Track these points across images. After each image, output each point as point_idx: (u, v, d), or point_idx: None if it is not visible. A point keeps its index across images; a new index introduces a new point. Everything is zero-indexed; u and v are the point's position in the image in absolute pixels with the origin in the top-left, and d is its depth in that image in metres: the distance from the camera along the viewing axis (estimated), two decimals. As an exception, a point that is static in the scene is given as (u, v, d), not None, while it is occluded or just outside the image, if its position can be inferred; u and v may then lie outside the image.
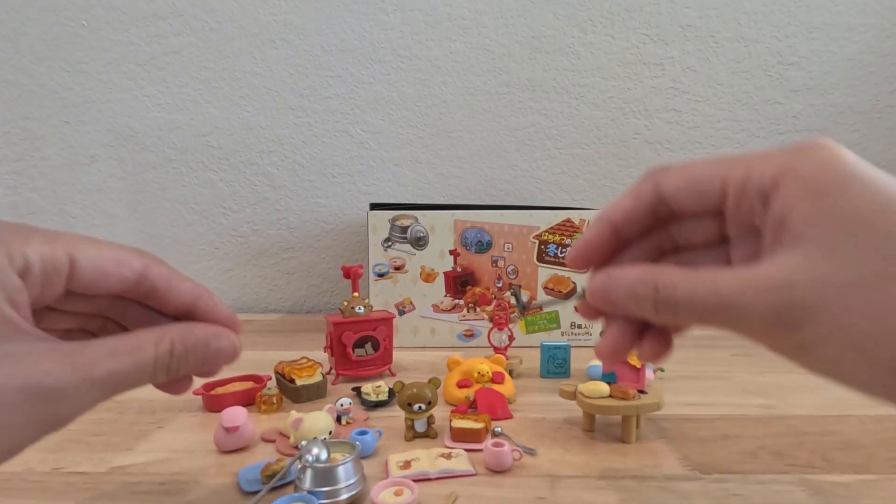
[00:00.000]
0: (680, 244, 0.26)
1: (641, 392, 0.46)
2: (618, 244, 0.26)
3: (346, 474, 0.36)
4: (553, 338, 0.75)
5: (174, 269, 0.28)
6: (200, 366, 0.27)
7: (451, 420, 0.46)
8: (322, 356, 0.65)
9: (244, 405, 0.52)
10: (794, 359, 0.22)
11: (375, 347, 0.62)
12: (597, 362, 0.58)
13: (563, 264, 0.74)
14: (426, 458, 0.41)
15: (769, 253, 0.21)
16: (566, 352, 0.63)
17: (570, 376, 0.63)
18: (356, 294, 0.62)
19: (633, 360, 0.47)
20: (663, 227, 0.26)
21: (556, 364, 0.63)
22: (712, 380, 0.61)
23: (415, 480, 0.38)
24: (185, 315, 0.28)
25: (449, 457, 0.41)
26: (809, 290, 0.19)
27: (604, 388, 0.46)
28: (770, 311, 0.20)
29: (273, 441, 0.46)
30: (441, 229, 0.74)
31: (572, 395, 0.47)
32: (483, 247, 0.75)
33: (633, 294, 0.23)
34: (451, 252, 0.75)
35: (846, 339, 0.20)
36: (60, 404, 0.23)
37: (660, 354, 0.26)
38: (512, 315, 0.75)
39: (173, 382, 0.28)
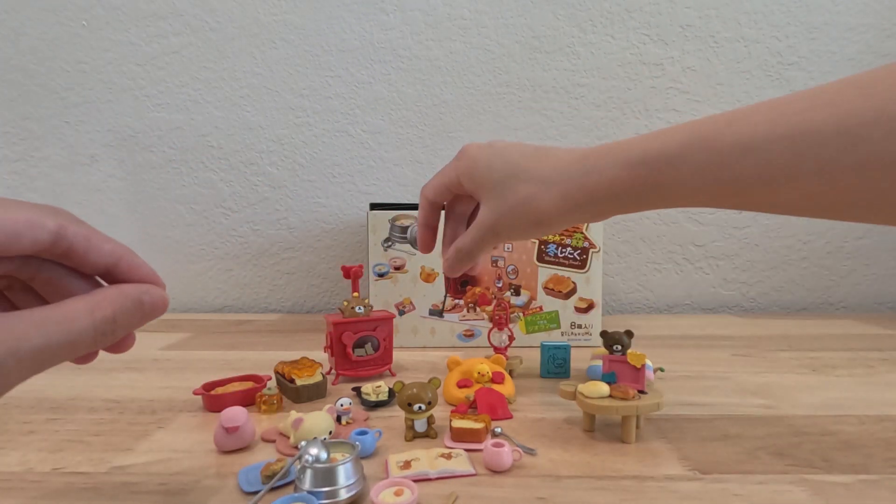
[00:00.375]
0: (464, 213, 0.49)
1: (641, 392, 0.46)
2: (435, 232, 0.50)
3: (346, 474, 0.36)
4: (553, 338, 0.75)
5: (94, 229, 0.27)
6: (138, 325, 0.27)
7: (451, 420, 0.46)
8: (322, 356, 0.65)
9: (244, 405, 0.53)
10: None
11: (375, 347, 0.62)
12: (597, 362, 0.58)
13: (562, 264, 0.74)
14: (426, 458, 0.41)
15: (480, 209, 0.43)
16: (566, 352, 0.63)
17: (570, 376, 0.63)
18: (356, 294, 0.62)
19: (633, 361, 0.47)
20: (451, 208, 0.49)
21: (556, 364, 0.63)
22: (712, 380, 0.61)
23: (415, 480, 0.38)
24: (104, 275, 0.28)
25: (449, 457, 0.41)
26: (490, 220, 0.42)
27: (604, 388, 0.46)
28: (487, 232, 0.42)
29: (273, 441, 0.46)
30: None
31: (572, 396, 0.47)
32: (483, 247, 0.75)
33: (451, 258, 0.46)
34: (451, 252, 0.75)
35: (507, 227, 0.41)
36: None
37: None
38: (512, 315, 0.75)
39: (123, 340, 0.28)
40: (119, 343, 0.28)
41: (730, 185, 0.32)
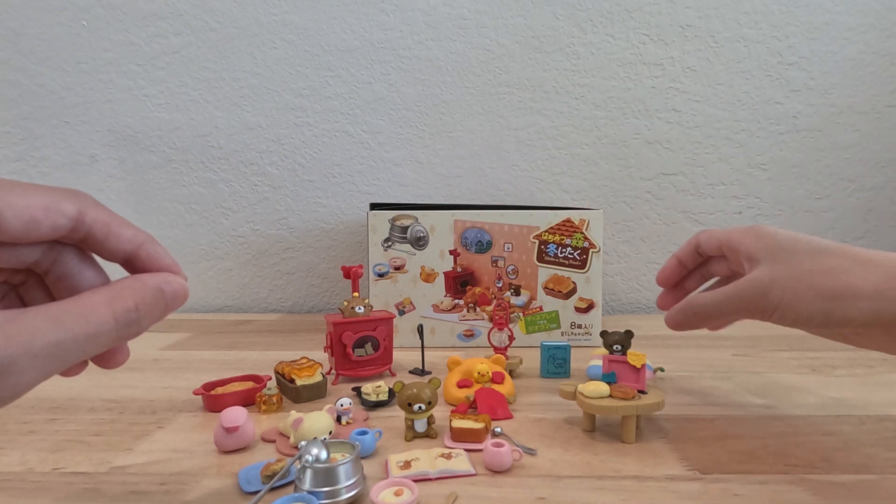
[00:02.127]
0: (711, 276, 0.49)
1: (641, 392, 0.46)
2: (680, 272, 0.49)
3: (346, 474, 0.36)
4: (553, 338, 0.75)
5: (115, 214, 0.26)
6: (160, 316, 0.26)
7: (451, 420, 0.46)
8: (322, 356, 0.65)
9: (244, 405, 0.53)
10: (771, 320, 0.38)
11: (375, 347, 0.62)
12: (596, 362, 0.58)
13: (562, 264, 0.74)
14: (426, 458, 0.41)
15: (747, 272, 0.40)
16: (566, 352, 0.63)
17: (570, 376, 0.63)
18: (356, 294, 0.62)
19: (633, 361, 0.47)
20: (704, 264, 0.49)
21: (556, 364, 0.63)
22: (712, 380, 0.61)
23: (415, 480, 0.38)
24: (124, 263, 0.27)
25: (449, 457, 0.41)
26: (766, 278, 0.37)
27: (604, 388, 0.46)
28: (750, 292, 0.38)
29: (273, 441, 0.46)
30: (441, 229, 0.74)
31: (572, 396, 0.47)
32: (483, 247, 0.75)
33: (681, 313, 0.44)
34: (451, 252, 0.75)
35: (789, 293, 0.36)
36: None
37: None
38: (512, 315, 0.75)
39: (113, 353, 0.27)
40: (112, 357, 0.27)
41: None
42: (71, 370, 0.26)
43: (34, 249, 0.25)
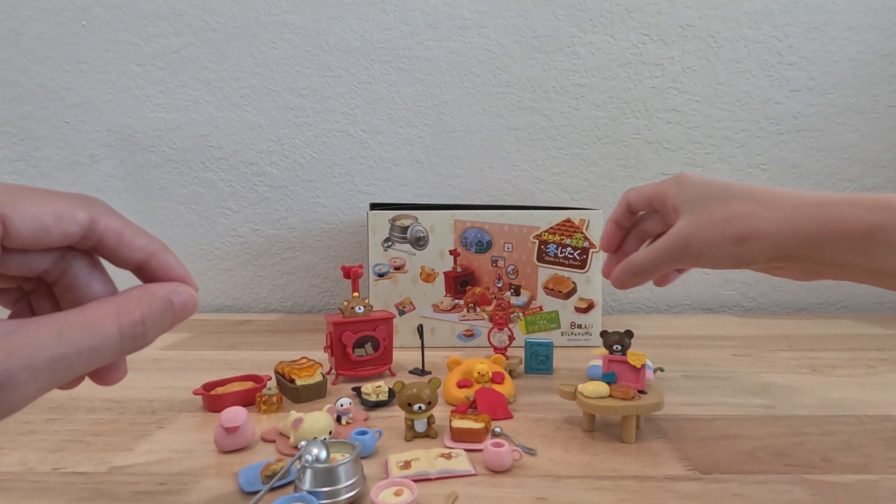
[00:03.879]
0: (646, 236, 0.48)
1: (641, 392, 0.46)
2: (621, 234, 0.48)
3: (346, 474, 0.36)
4: (553, 338, 0.75)
5: (129, 221, 0.25)
6: (168, 327, 0.25)
7: (451, 420, 0.46)
8: (322, 356, 0.65)
9: (244, 405, 0.53)
10: (698, 267, 0.41)
11: (375, 347, 0.62)
12: (596, 363, 0.58)
13: (562, 264, 0.74)
14: (426, 458, 0.41)
15: (674, 223, 0.41)
16: (549, 348, 0.63)
17: (552, 373, 0.63)
18: (356, 294, 0.62)
19: (633, 361, 0.47)
20: (638, 225, 0.48)
21: (538, 360, 0.63)
22: (712, 380, 0.61)
23: (415, 480, 0.38)
24: (135, 271, 0.26)
25: (449, 457, 0.41)
26: (686, 230, 0.39)
27: (604, 388, 0.46)
28: (677, 245, 0.40)
29: (273, 441, 0.46)
30: (441, 229, 0.74)
31: (572, 396, 0.47)
32: (483, 247, 0.75)
33: (623, 274, 0.44)
34: (451, 252, 0.75)
35: (705, 243, 0.38)
36: None
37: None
38: (512, 315, 0.75)
39: (109, 370, 0.26)
40: (108, 374, 0.26)
41: None
42: (69, 384, 0.25)
43: (45, 258, 0.25)
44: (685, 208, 0.40)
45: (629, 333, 0.51)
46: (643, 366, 0.47)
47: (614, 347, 0.51)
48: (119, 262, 0.26)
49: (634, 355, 0.47)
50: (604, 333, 0.50)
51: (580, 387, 0.47)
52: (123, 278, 0.27)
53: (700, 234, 0.38)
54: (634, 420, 0.45)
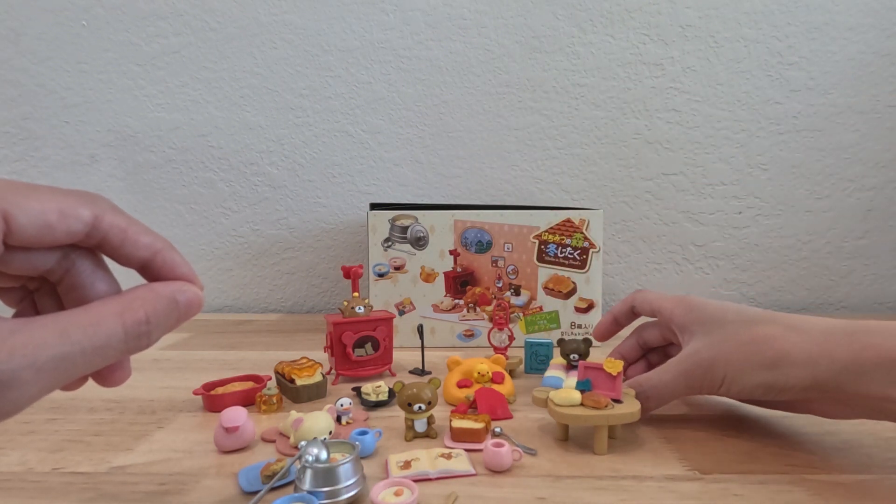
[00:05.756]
0: (647, 346, 0.51)
1: (616, 401, 0.44)
2: (616, 328, 0.52)
3: (346, 474, 0.36)
4: (553, 338, 0.75)
5: (133, 219, 0.25)
6: (173, 326, 0.25)
7: (451, 420, 0.46)
8: (322, 356, 0.65)
9: (244, 405, 0.53)
10: (719, 394, 0.42)
11: (375, 347, 0.62)
12: (553, 373, 0.53)
13: (562, 264, 0.74)
14: (426, 458, 0.41)
15: (683, 345, 0.42)
16: (548, 348, 0.63)
17: None
18: (356, 294, 0.62)
19: (609, 368, 0.45)
20: (639, 332, 0.51)
21: (538, 361, 0.63)
22: (712, 380, 0.61)
23: (415, 480, 0.38)
24: (140, 270, 0.26)
25: (449, 457, 0.41)
26: (706, 353, 0.38)
27: (576, 396, 0.43)
28: (696, 370, 0.39)
29: (273, 441, 0.46)
30: (441, 229, 0.74)
31: (544, 403, 0.45)
32: (483, 247, 0.75)
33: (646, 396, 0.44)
34: (451, 252, 0.75)
35: (732, 368, 0.37)
36: None
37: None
38: (512, 315, 0.75)
39: (113, 371, 0.26)
40: (111, 375, 0.26)
41: None
42: (72, 384, 0.25)
43: (49, 256, 0.24)
44: (699, 329, 0.38)
45: (587, 341, 0.50)
46: (619, 374, 0.44)
47: (571, 357, 0.50)
48: (123, 261, 0.26)
49: (610, 363, 0.45)
50: (560, 341, 0.50)
51: (551, 394, 0.45)
52: (128, 277, 0.26)
53: (724, 358, 0.35)
54: (606, 430, 0.43)
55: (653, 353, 0.53)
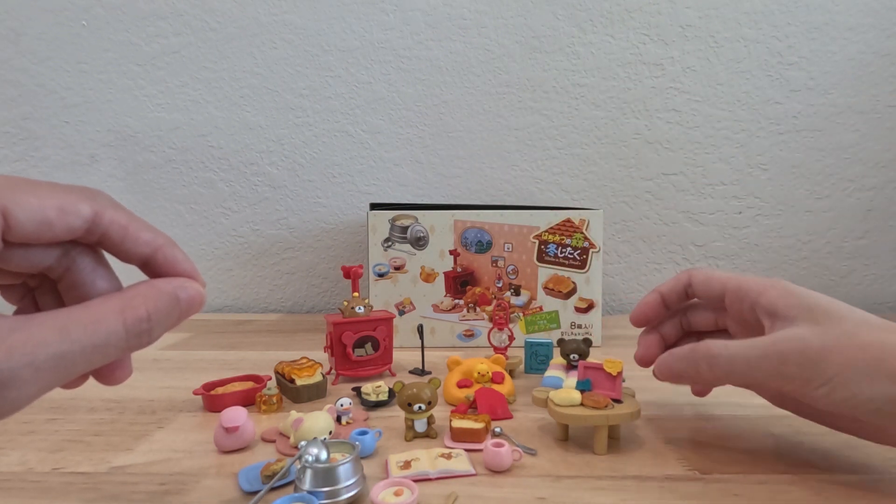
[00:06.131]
0: (691, 329, 0.44)
1: (616, 401, 0.44)
2: (663, 313, 0.43)
3: (346, 474, 0.36)
4: (553, 338, 0.75)
5: (134, 216, 0.25)
6: (174, 323, 0.25)
7: (451, 420, 0.46)
8: (322, 356, 0.65)
9: (244, 405, 0.53)
10: (813, 396, 0.33)
11: (375, 347, 0.62)
12: (553, 373, 0.53)
13: (562, 264, 0.74)
14: (426, 458, 0.41)
15: (771, 330, 0.35)
16: (548, 348, 0.63)
17: None
18: (356, 294, 0.62)
19: (609, 368, 0.45)
20: (683, 312, 0.43)
21: (538, 361, 0.63)
22: (712, 380, 0.61)
23: (415, 480, 0.38)
24: (141, 266, 0.26)
25: (449, 457, 0.41)
26: (815, 341, 0.32)
27: (576, 395, 0.43)
28: (795, 354, 0.32)
29: (273, 441, 0.46)
30: (441, 229, 0.74)
31: (544, 403, 0.45)
32: (483, 247, 0.75)
33: (686, 362, 0.37)
34: (451, 252, 0.75)
35: (849, 368, 0.31)
36: None
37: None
38: (512, 315, 0.75)
39: (113, 369, 0.26)
40: (112, 373, 0.26)
41: None
42: (72, 382, 0.25)
43: (49, 253, 0.24)
44: (804, 316, 0.32)
45: (587, 341, 0.50)
46: (619, 374, 0.45)
47: (571, 357, 0.50)
48: (124, 257, 0.25)
49: (611, 363, 0.45)
50: (560, 341, 0.49)
51: (551, 394, 0.45)
52: (130, 275, 0.26)
53: (840, 356, 0.30)
54: (606, 431, 0.43)
55: (689, 339, 0.45)
